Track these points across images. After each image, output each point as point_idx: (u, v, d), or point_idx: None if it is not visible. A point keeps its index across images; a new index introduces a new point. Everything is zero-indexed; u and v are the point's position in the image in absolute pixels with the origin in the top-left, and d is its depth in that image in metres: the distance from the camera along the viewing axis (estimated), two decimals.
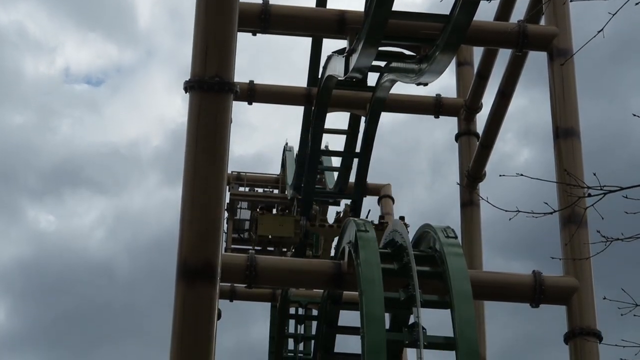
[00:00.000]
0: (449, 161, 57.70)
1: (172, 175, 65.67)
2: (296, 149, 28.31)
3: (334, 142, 27.63)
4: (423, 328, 15.58)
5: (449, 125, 26.23)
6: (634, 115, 8.10)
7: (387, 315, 17.11)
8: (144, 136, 72.87)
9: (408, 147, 58.80)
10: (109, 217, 67.82)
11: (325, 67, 21.94)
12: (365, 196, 27.38)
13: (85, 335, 61.10)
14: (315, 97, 23.80)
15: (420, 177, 59.85)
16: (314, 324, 27.68)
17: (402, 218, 23.34)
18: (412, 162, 60.47)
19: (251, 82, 24.89)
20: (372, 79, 22.98)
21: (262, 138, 69.01)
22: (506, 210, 8.79)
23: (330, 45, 24.76)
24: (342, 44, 20.23)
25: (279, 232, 26.29)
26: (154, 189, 68.49)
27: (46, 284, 63.42)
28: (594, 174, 8.13)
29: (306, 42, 26.65)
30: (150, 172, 70.21)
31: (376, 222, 24.19)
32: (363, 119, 23.83)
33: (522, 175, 8.76)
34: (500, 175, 11.38)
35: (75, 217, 69.20)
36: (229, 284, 25.68)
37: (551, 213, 8.50)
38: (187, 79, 15.62)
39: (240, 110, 45.00)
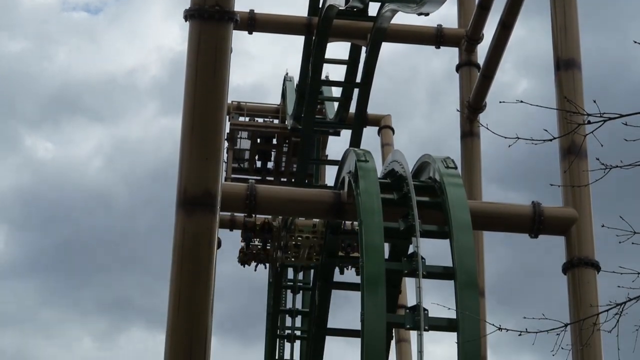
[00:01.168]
0: (448, 91, 57.52)
1: (169, 105, 65.46)
2: (296, 79, 28.19)
3: (335, 73, 27.50)
4: (422, 258, 15.65)
5: (448, 55, 26.11)
6: (635, 42, 8.04)
7: (386, 246, 17.20)
8: (142, 65, 72.35)
9: (406, 78, 58.54)
10: (106, 146, 67.74)
11: None
12: (365, 127, 27.35)
13: (84, 263, 61.32)
14: (316, 27, 23.67)
15: (418, 107, 59.67)
16: None
17: None
18: (410, 93, 60.25)
19: (251, 11, 24.73)
20: (373, 8, 22.86)
21: (260, 68, 68.67)
22: (506, 137, 8.78)
23: None
24: None
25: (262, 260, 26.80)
26: (151, 118, 68.30)
27: (44, 212, 63.51)
28: (594, 101, 8.11)
29: None
30: (148, 101, 69.95)
31: None
32: (364, 49, 23.72)
33: (522, 102, 8.73)
34: (500, 102, 11.32)
35: (73, 145, 69.10)
36: (229, 214, 25.74)
37: (550, 140, 8.49)
38: (187, 8, 15.53)
39: (239, 39, 44.72)
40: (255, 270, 26.95)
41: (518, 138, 8.73)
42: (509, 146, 8.78)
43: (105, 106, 69.19)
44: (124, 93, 68.40)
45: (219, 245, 22.75)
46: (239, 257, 26.44)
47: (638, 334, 8.07)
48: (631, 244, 7.89)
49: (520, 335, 8.25)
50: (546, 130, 8.57)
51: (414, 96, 60.32)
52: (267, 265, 29.94)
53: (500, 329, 8.70)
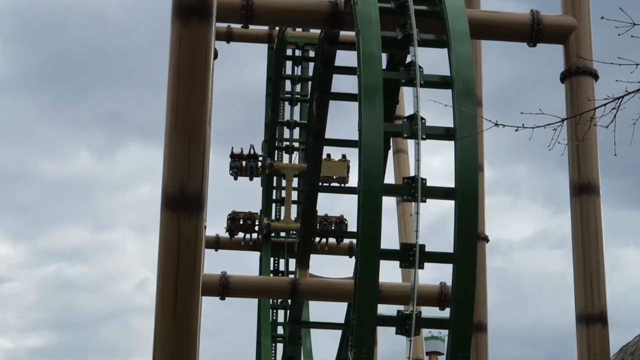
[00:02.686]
0: None
1: None
2: None
3: None
4: (420, 67, 15.60)
5: None
6: None
7: (384, 56, 17.11)
8: None
9: None
10: None
11: None
12: None
13: (79, 77, 61.41)
14: None
15: None
16: (311, 65, 27.77)
17: None
18: None
19: None
20: None
21: None
22: None
23: None
24: None
25: None
26: None
27: (37, 25, 63.03)
28: None
29: None
30: None
31: None
32: None
33: None
34: None
35: None
36: (226, 25, 25.54)
37: None
38: None
39: None
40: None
41: None
42: None
43: None
44: None
45: (216, 56, 22.63)
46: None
47: (634, 129, 8.10)
48: (630, 37, 7.80)
49: (517, 130, 8.26)
50: None
51: None
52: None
53: (497, 124, 8.71)
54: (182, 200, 14.80)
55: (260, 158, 28.34)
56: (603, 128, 8.03)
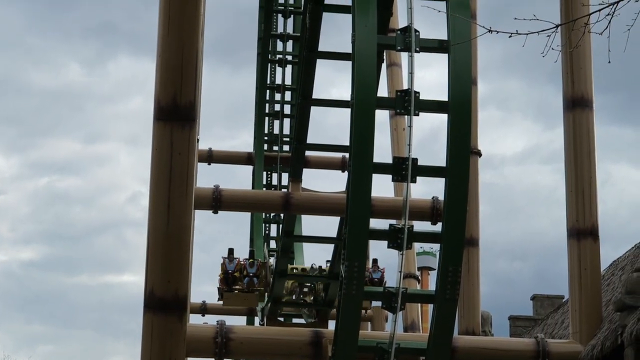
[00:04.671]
0: None
1: None
2: None
3: None
4: (416, 31, 15.24)
5: None
6: None
7: None
8: None
9: None
10: None
11: None
12: None
13: None
14: None
15: None
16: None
17: None
18: None
19: None
20: None
21: None
22: None
23: None
24: None
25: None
26: None
27: None
28: None
29: None
30: None
31: None
32: None
33: None
34: None
35: None
36: None
37: None
38: None
39: None
40: None
41: None
42: None
43: None
44: None
45: None
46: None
47: (629, 35, 8.00)
48: None
49: (510, 36, 8.13)
50: None
51: None
52: None
53: (490, 30, 8.58)
54: (175, 112, 14.72)
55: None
56: (597, 36, 7.92)
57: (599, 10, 7.67)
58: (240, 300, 24.04)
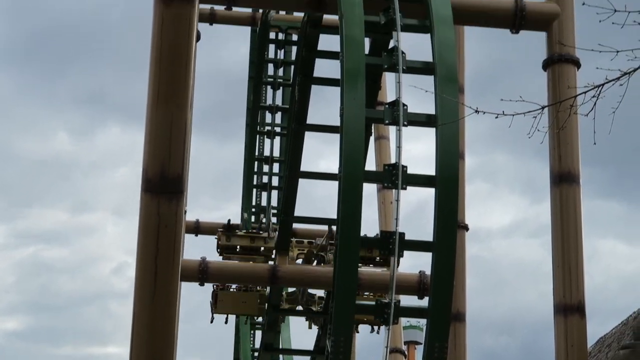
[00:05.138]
0: None
1: None
2: None
3: None
4: (402, 52, 15.52)
5: None
6: None
7: (367, 41, 17.02)
8: None
9: None
10: None
11: None
12: None
13: (57, 54, 60.97)
14: None
15: None
16: (294, 49, 27.64)
17: None
18: None
19: None
20: None
21: None
22: None
23: None
24: None
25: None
26: None
27: (15, 2, 62.56)
28: None
29: None
30: None
31: None
32: None
33: None
34: None
35: None
36: (209, 7, 25.40)
37: None
38: None
39: None
40: None
41: None
42: None
43: None
44: None
45: (198, 38, 22.50)
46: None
47: (614, 117, 8.09)
48: (611, 24, 7.77)
49: (497, 117, 8.22)
50: None
51: None
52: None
53: (477, 111, 8.66)
54: (163, 184, 14.69)
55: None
56: (584, 116, 8.01)
57: (584, 93, 7.76)
58: (236, 304, 22.96)
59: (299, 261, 22.87)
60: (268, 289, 23.11)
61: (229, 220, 23.06)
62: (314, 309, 23.52)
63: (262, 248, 22.50)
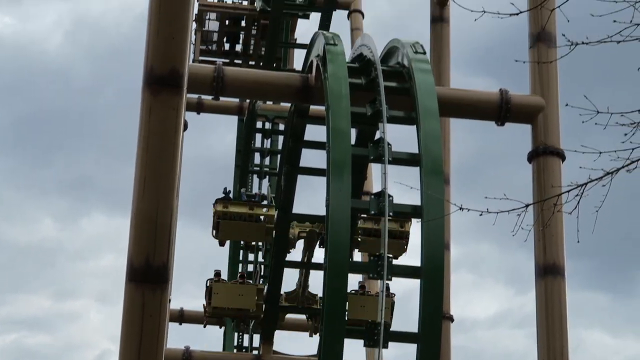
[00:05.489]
0: None
1: None
2: None
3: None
4: (388, 143, 15.62)
5: None
6: None
7: (353, 131, 17.13)
8: None
9: None
10: (67, 20, 66.50)
11: None
12: (335, 10, 27.07)
13: (44, 140, 61.02)
14: None
15: None
16: (281, 138, 27.79)
17: None
18: None
19: None
20: None
21: None
22: (472, 11, 8.63)
23: None
24: None
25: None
26: None
27: (2, 89, 62.82)
28: None
29: None
30: None
31: None
32: None
33: None
34: None
35: (33, 20, 67.90)
36: (197, 96, 25.58)
37: (517, 14, 8.34)
38: None
39: None
40: None
41: (484, 12, 8.60)
42: (475, 20, 8.66)
43: None
44: None
45: (186, 127, 22.61)
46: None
47: (597, 216, 8.15)
48: (594, 124, 7.87)
49: (481, 215, 8.28)
50: (513, 4, 8.43)
51: None
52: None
53: (461, 208, 8.71)
54: (148, 273, 14.62)
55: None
56: (571, 205, 8.07)
57: (568, 192, 7.84)
58: (240, 232, 21.02)
59: (300, 242, 21.16)
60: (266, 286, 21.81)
61: (225, 188, 21.37)
62: (316, 308, 22.13)
63: (262, 217, 20.70)
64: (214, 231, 20.83)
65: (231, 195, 22.08)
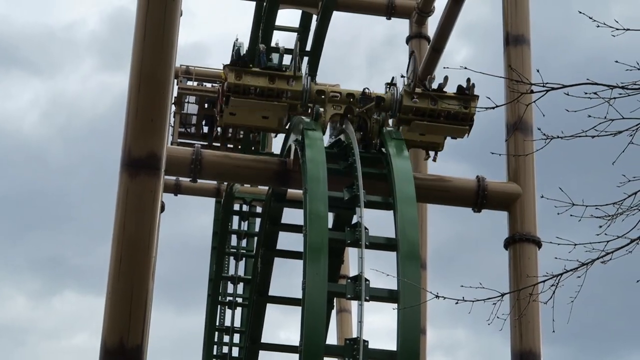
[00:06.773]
0: (386, 58, 57.13)
1: (108, 60, 64.62)
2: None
3: (285, 41, 27.27)
4: (365, 228, 15.68)
5: (398, 26, 26.08)
6: (580, 12, 8.09)
7: (330, 215, 17.19)
8: (81, 19, 71.30)
9: (345, 42, 58.00)
10: (43, 100, 66.67)
11: None
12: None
13: (17, 220, 60.69)
14: None
15: (357, 73, 59.06)
16: (258, 221, 27.79)
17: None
18: (349, 58, 59.87)
19: None
20: None
21: (204, 28, 67.88)
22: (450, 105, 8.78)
23: None
24: None
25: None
26: (89, 73, 67.24)
27: None
28: (537, 71, 8.12)
29: None
30: (86, 55, 68.88)
31: None
32: (314, 17, 23.57)
33: (465, 68, 8.66)
34: (444, 67, 11.32)
35: (8, 98, 67.98)
36: (174, 178, 25.61)
37: (493, 108, 8.49)
38: None
39: None
40: None
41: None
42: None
43: (43, 59, 68.02)
44: (62, 47, 67.30)
45: (163, 209, 22.57)
46: None
47: (572, 307, 8.21)
48: (569, 216, 7.98)
49: (457, 303, 8.32)
50: (489, 98, 8.58)
51: (352, 61, 60.04)
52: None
53: (437, 296, 8.76)
54: (122, 355, 14.52)
55: None
56: (548, 292, 8.13)
57: (543, 281, 7.92)
58: (254, 115, 17.87)
59: (330, 125, 18.26)
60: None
61: (238, 50, 17.92)
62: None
63: (288, 93, 17.68)
64: (218, 113, 18.10)
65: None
